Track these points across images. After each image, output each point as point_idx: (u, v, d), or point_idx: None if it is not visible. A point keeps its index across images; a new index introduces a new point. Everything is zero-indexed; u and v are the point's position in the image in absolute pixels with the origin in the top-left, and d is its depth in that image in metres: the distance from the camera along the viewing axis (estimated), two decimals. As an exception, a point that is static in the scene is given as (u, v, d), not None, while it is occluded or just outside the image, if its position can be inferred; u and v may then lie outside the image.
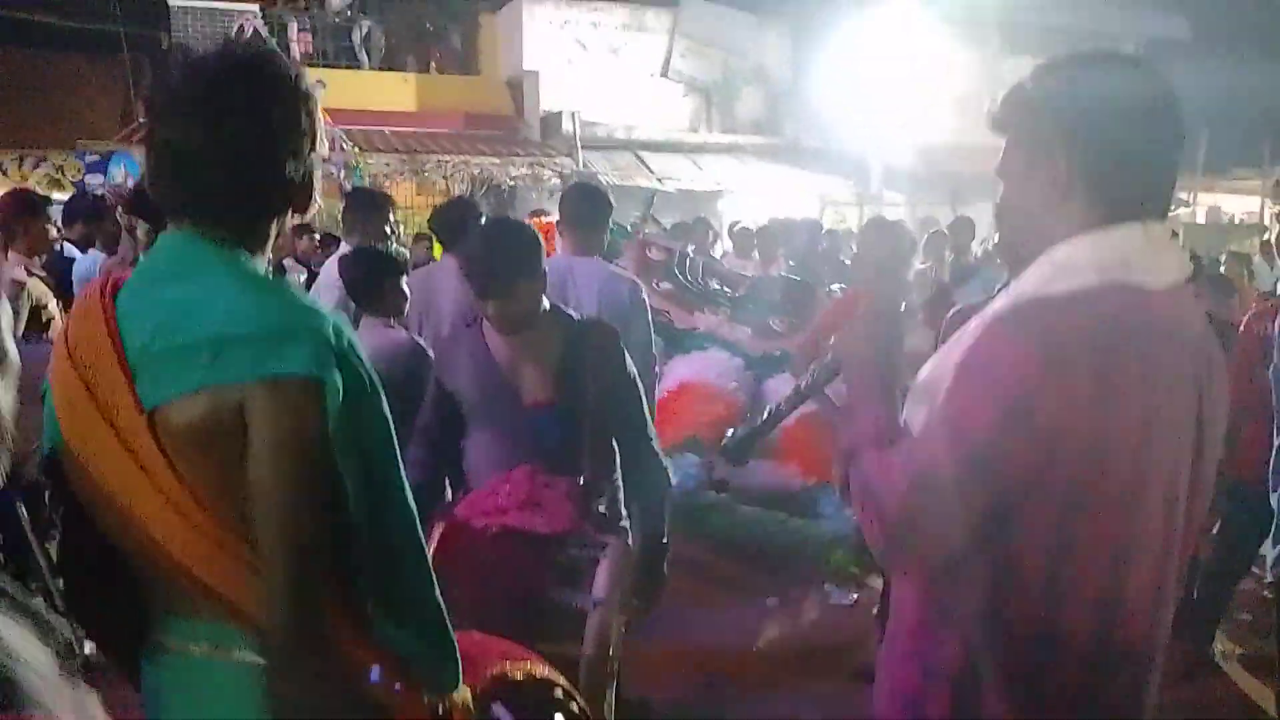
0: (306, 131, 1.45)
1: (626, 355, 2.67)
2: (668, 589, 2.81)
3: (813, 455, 5.07)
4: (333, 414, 1.31)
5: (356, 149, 12.10)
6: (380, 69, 16.40)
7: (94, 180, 12.35)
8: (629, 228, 7.35)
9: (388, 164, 13.50)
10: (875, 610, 3.43)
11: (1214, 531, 4.51)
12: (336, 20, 16.43)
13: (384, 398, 1.42)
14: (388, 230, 4.90)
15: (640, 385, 2.71)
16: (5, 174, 12.27)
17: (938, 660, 1.43)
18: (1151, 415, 1.32)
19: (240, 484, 1.29)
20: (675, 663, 3.93)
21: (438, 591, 1.49)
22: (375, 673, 1.35)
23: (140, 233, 4.96)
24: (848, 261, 8.22)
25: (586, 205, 3.97)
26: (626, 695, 2.70)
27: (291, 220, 1.50)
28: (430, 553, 2.13)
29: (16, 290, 4.63)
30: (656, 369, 4.39)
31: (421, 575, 1.47)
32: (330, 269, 4.55)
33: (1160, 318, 1.35)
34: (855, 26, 14.93)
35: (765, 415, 1.76)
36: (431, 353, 3.13)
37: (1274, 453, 3.65)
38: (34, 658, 1.08)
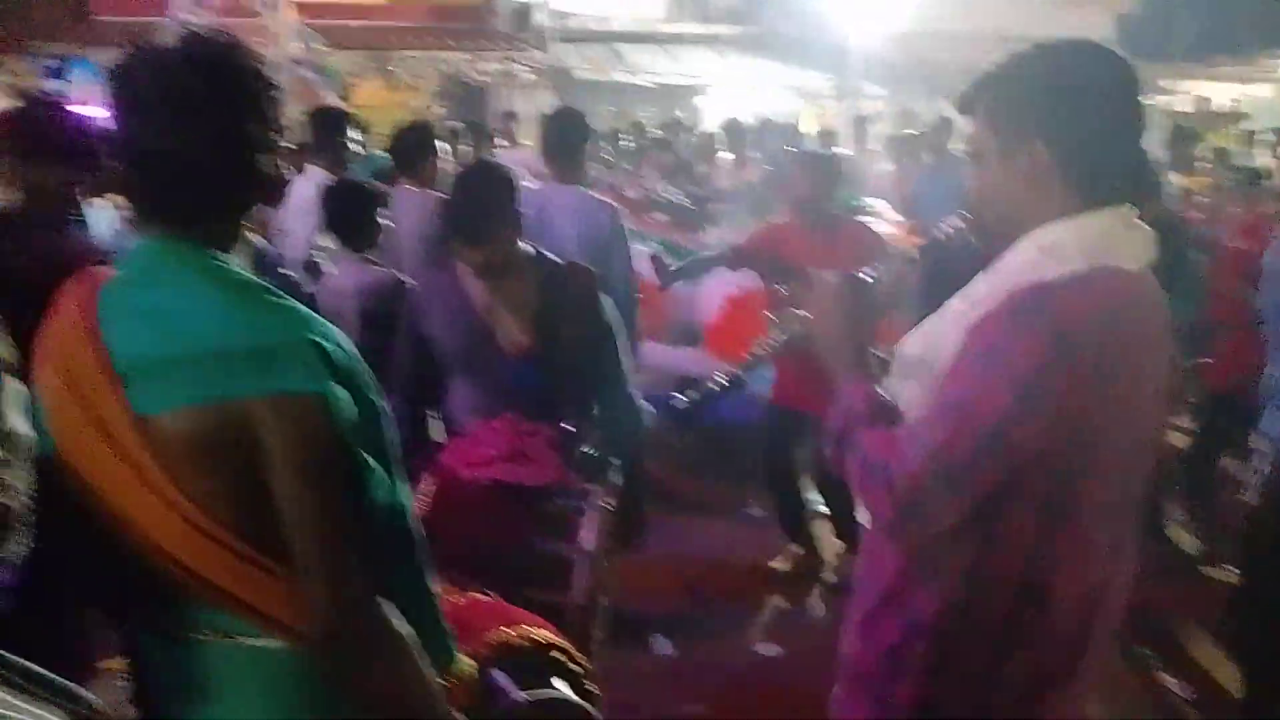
0: (274, 122, 1.41)
1: (602, 300, 2.67)
2: (647, 525, 2.88)
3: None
4: (339, 421, 1.33)
5: (328, 51, 11.72)
6: (344, -41, 15.77)
7: (54, 86, 11.96)
8: None
9: (355, 61, 13.14)
10: None
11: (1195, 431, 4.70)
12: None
13: (374, 388, 1.43)
14: (351, 149, 4.86)
15: (616, 330, 2.72)
16: (-43, 79, 11.84)
17: (919, 613, 1.49)
18: (1137, 389, 1.42)
19: (237, 491, 1.31)
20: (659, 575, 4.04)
21: (431, 578, 1.53)
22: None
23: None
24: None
25: (565, 133, 3.93)
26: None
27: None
28: (421, 505, 2.19)
29: None
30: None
31: (418, 561, 1.51)
32: (302, 190, 4.48)
33: (1140, 297, 1.44)
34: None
35: (716, 383, 1.81)
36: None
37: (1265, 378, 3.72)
38: None
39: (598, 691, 1.83)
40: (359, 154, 7.19)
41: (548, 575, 2.22)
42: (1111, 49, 1.53)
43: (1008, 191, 1.49)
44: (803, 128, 13.67)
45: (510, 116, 10.54)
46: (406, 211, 4.03)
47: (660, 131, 10.07)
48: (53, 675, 1.03)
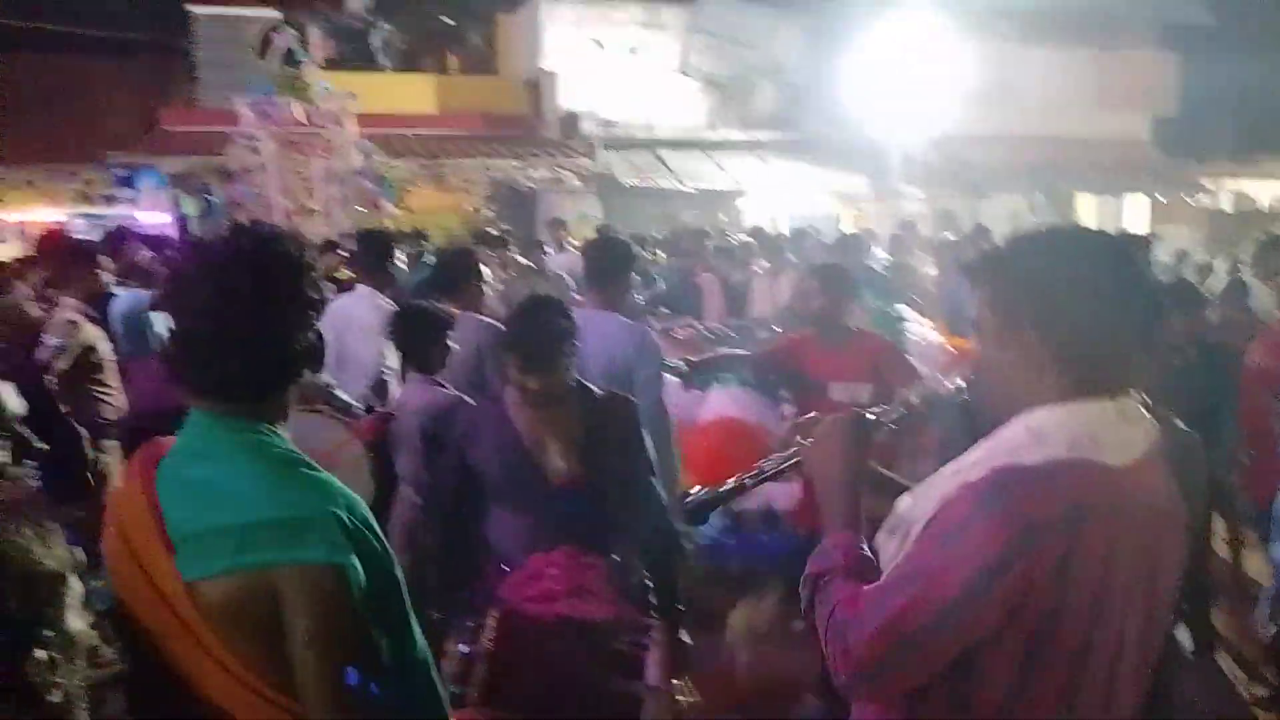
0: (312, 300, 1.57)
1: (643, 431, 2.77)
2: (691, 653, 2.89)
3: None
4: (358, 591, 1.45)
5: (388, 162, 12.19)
6: (399, 71, 16.50)
7: (122, 194, 12.51)
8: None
9: (407, 169, 13.61)
10: None
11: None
12: (355, 24, 16.53)
13: (393, 558, 1.55)
14: (401, 271, 5.04)
15: (654, 460, 2.81)
16: (36, 189, 12.45)
17: None
18: (1105, 585, 1.41)
19: (274, 650, 1.43)
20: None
21: None
22: None
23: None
24: (873, 265, 8.32)
25: (606, 261, 4.05)
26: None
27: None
28: (488, 641, 2.26)
29: (69, 330, 4.80)
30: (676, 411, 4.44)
31: (437, 714, 1.62)
32: (355, 311, 4.64)
33: (1122, 495, 1.42)
34: (872, 19, 14.87)
35: (729, 485, 1.83)
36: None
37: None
38: None
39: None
40: (422, 264, 7.49)
41: (619, 713, 2.27)
42: (1112, 236, 1.57)
43: (1002, 371, 1.52)
44: (843, 229, 13.89)
45: (558, 224, 10.83)
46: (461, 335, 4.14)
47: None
48: None
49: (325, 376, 3.92)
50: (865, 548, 1.57)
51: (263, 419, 1.54)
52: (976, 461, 1.47)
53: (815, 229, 10.69)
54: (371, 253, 5.04)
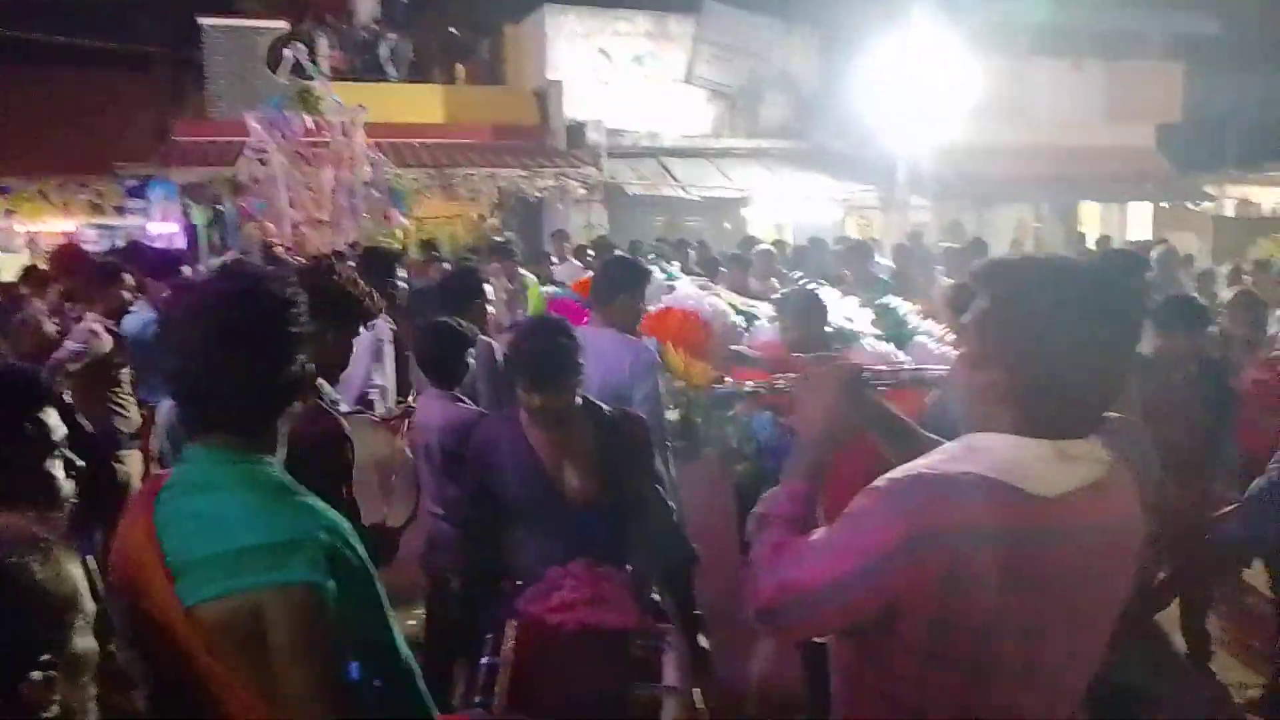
0: (297, 336, 1.66)
1: (654, 448, 2.84)
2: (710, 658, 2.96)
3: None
4: (331, 609, 1.53)
5: (397, 173, 12.29)
6: (407, 81, 16.61)
7: (133, 205, 12.63)
8: None
9: (415, 179, 13.70)
10: None
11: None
12: (364, 35, 16.64)
13: (375, 576, 1.64)
14: (399, 286, 5.13)
15: (665, 474, 2.88)
16: (48, 200, 12.56)
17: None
18: (1005, 606, 1.43)
19: (270, 670, 1.51)
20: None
21: None
22: None
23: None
24: (879, 274, 8.36)
25: (611, 282, 4.10)
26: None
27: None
28: (508, 652, 2.33)
29: (89, 338, 4.91)
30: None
31: None
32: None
33: (1039, 523, 1.44)
34: (881, 29, 14.93)
35: (748, 387, 2.07)
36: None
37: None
38: None
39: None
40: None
41: (639, 715, 2.34)
42: (1102, 272, 1.57)
43: (969, 392, 1.56)
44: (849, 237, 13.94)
45: (561, 235, 10.93)
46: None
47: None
48: None
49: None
50: (815, 500, 1.66)
51: (255, 449, 1.63)
52: (912, 464, 1.52)
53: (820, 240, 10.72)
54: (372, 270, 5.12)
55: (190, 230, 13.28)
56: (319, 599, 1.52)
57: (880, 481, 1.49)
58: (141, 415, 5.17)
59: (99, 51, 17.32)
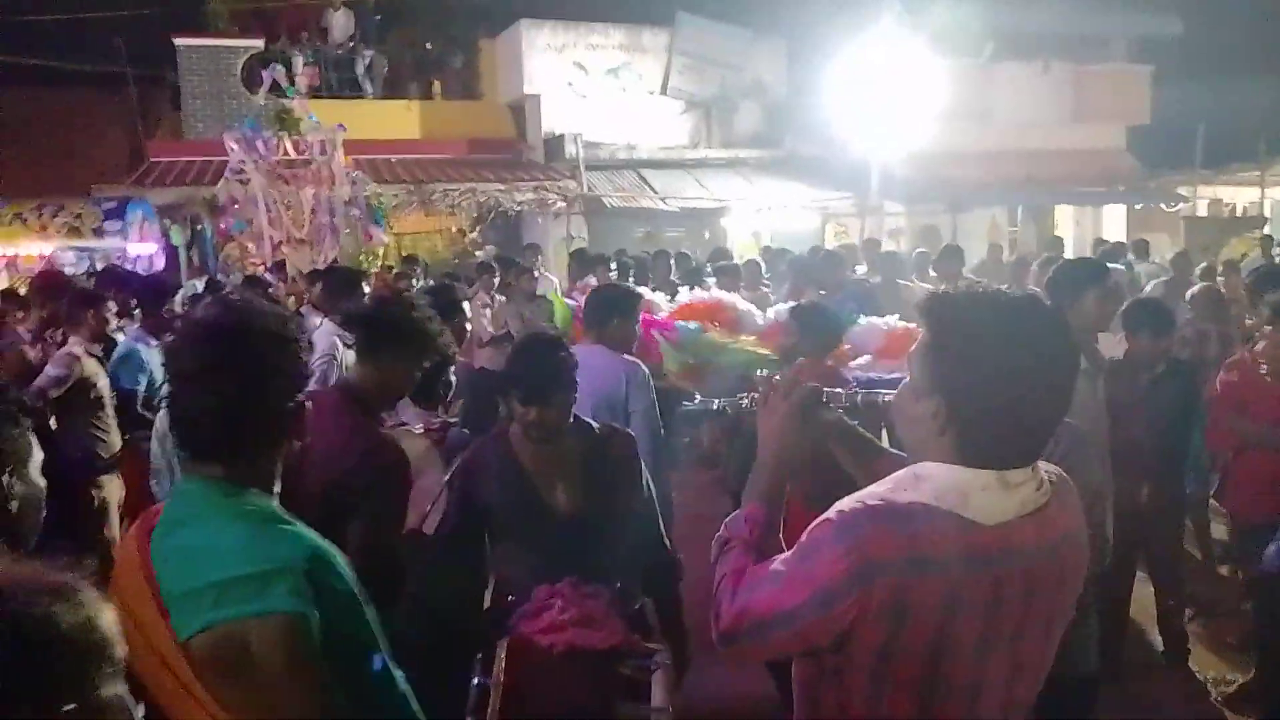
0: (294, 372, 1.70)
1: (643, 463, 2.90)
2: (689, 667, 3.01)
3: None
4: (314, 636, 1.54)
5: (378, 192, 12.30)
6: (384, 97, 16.65)
7: (111, 227, 12.60)
8: None
9: (395, 195, 13.72)
10: None
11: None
12: (339, 52, 16.68)
13: (361, 600, 1.66)
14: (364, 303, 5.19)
15: (652, 489, 2.94)
16: (26, 223, 12.53)
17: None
18: (949, 630, 1.49)
19: (259, 703, 1.53)
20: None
21: None
22: None
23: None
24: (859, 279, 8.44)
25: (600, 308, 4.23)
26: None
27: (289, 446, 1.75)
28: (499, 672, 2.38)
29: (70, 362, 4.93)
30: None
31: None
32: (323, 342, 4.82)
33: (981, 550, 1.49)
34: (848, 36, 15.08)
35: (715, 406, 2.12)
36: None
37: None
38: None
39: None
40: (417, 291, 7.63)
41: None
42: (1038, 304, 1.60)
43: (914, 420, 1.60)
44: (826, 244, 14.07)
45: (534, 249, 10.99)
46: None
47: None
48: None
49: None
50: (774, 523, 1.72)
51: (247, 483, 1.65)
52: (861, 494, 1.57)
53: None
54: (336, 288, 5.19)
55: (170, 250, 13.25)
56: (302, 627, 1.52)
57: (831, 513, 1.54)
58: (123, 439, 5.19)
59: (73, 73, 17.28)
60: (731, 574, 1.62)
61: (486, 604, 2.88)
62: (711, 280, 9.31)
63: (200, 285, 6.21)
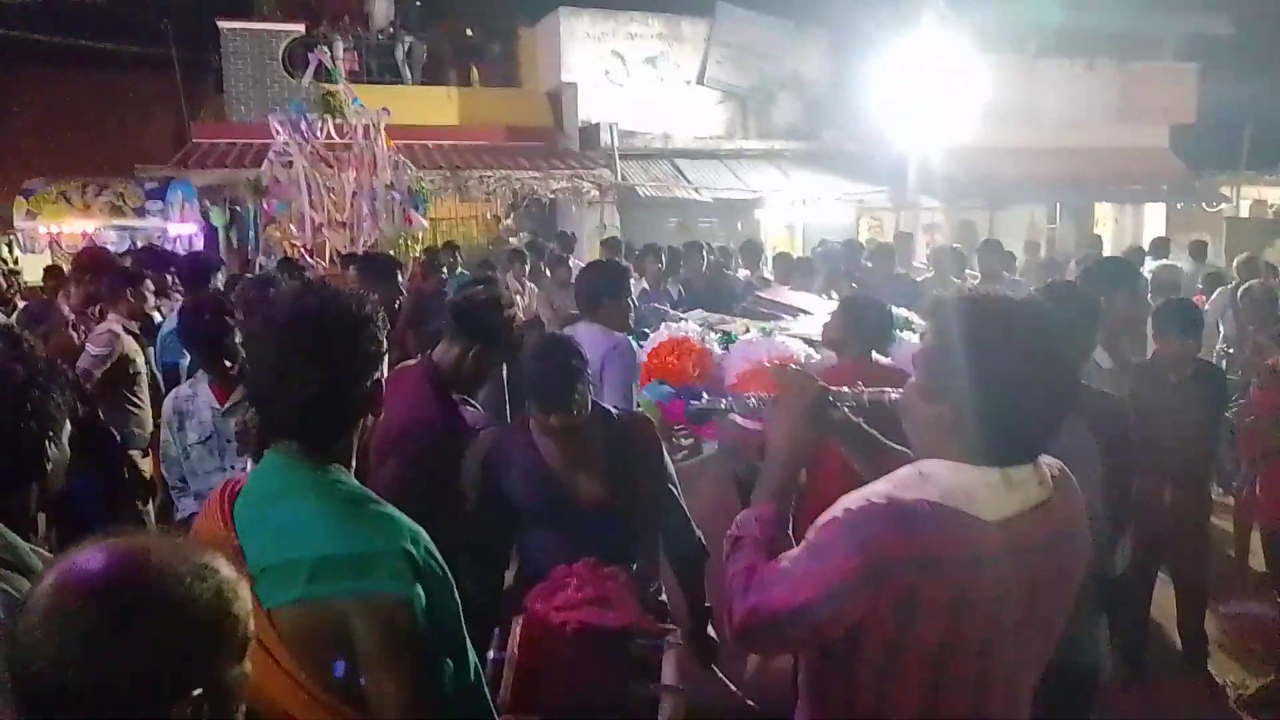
0: (372, 353, 1.74)
1: (663, 447, 2.93)
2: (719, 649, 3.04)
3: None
4: (422, 619, 1.59)
5: (419, 175, 12.38)
6: (423, 84, 16.76)
7: (153, 207, 12.80)
8: None
9: (431, 180, 13.81)
10: None
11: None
12: (380, 38, 16.81)
13: (454, 586, 1.70)
14: (401, 290, 5.27)
15: (671, 471, 2.97)
16: (70, 203, 12.75)
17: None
18: (957, 624, 1.53)
19: (350, 678, 1.56)
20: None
21: None
22: None
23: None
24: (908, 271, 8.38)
25: (591, 285, 4.21)
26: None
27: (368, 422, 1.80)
28: (513, 648, 2.43)
29: (110, 339, 5.04)
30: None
31: None
32: None
33: (986, 545, 1.54)
34: (890, 30, 14.98)
35: (723, 404, 2.22)
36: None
37: None
38: None
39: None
40: (457, 275, 7.72)
41: (638, 713, 2.43)
42: (1042, 308, 1.66)
43: (921, 419, 1.66)
44: (867, 239, 14.01)
45: (567, 235, 11.06)
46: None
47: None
48: None
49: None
50: (784, 520, 1.76)
51: (331, 459, 1.70)
52: (873, 491, 1.60)
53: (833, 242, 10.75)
54: (371, 273, 5.25)
55: (209, 231, 13.45)
56: (408, 609, 1.56)
57: (838, 510, 1.58)
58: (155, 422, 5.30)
59: (119, 55, 17.56)
60: (743, 571, 1.66)
61: (507, 585, 2.94)
62: (744, 272, 9.37)
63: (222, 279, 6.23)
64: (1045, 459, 1.65)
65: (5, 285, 11.08)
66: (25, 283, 11.70)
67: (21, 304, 7.28)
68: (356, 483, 1.73)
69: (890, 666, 1.56)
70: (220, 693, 1.12)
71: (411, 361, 3.27)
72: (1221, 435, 4.59)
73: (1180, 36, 18.41)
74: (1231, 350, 7.33)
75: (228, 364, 3.74)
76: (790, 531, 1.77)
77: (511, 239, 14.01)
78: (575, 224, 14.92)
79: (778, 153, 16.80)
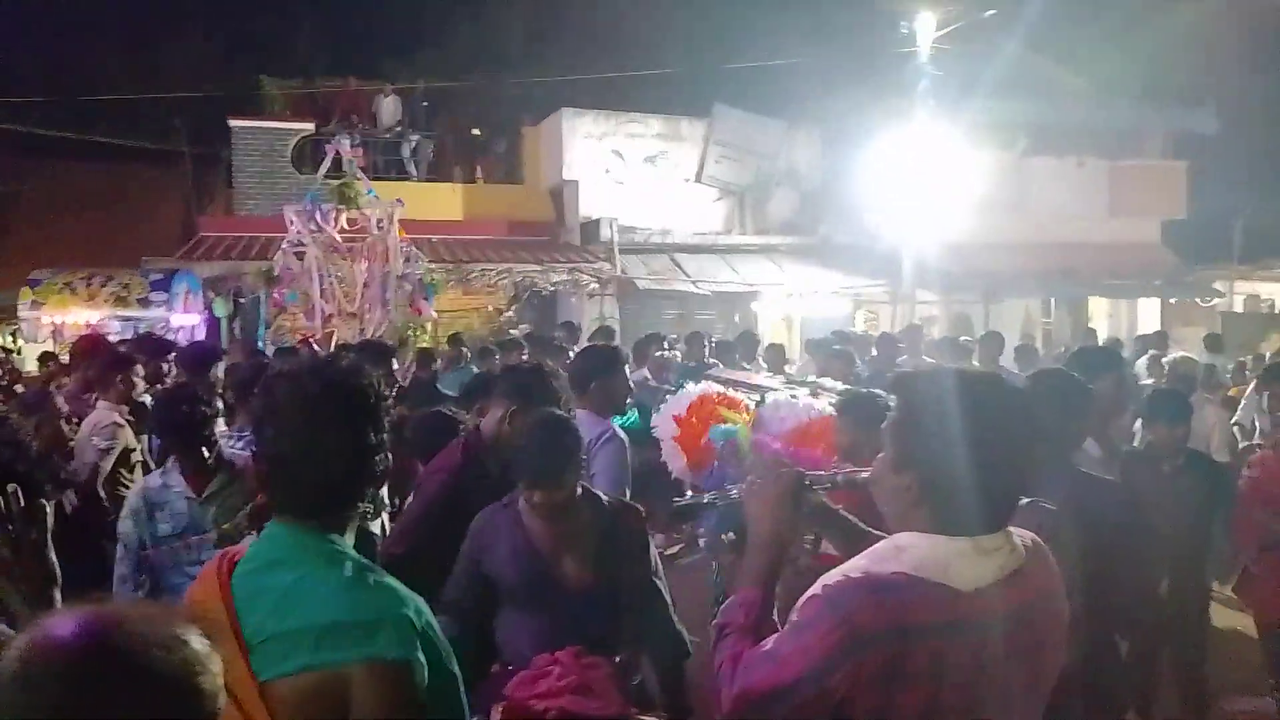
0: (383, 427, 1.76)
1: (650, 536, 2.92)
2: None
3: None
4: (422, 688, 1.58)
5: (430, 269, 12.53)
6: (428, 180, 17.13)
7: (157, 297, 12.95)
8: None
9: (436, 272, 13.99)
10: None
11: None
12: (387, 136, 17.25)
13: (453, 657, 1.69)
14: (396, 378, 5.29)
15: (657, 563, 2.95)
16: (74, 293, 12.92)
17: None
18: (936, 692, 1.56)
19: None
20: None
21: None
22: None
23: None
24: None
25: (583, 368, 4.22)
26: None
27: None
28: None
29: (115, 430, 5.05)
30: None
31: None
32: None
33: (962, 615, 1.57)
34: (882, 127, 15.38)
35: (706, 499, 2.21)
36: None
37: None
38: None
39: None
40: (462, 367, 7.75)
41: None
42: (999, 381, 1.72)
43: (890, 492, 1.69)
44: (861, 331, 14.12)
45: (569, 326, 11.15)
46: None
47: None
48: None
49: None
50: (768, 604, 1.77)
51: (333, 530, 1.70)
52: (851, 566, 1.64)
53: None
54: (370, 360, 5.26)
55: (212, 322, 13.59)
56: (411, 677, 1.56)
57: (817, 588, 1.62)
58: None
59: (129, 149, 18.00)
60: (729, 659, 1.68)
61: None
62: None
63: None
64: (1017, 530, 1.68)
65: (2, 374, 11.14)
66: (25, 371, 11.78)
67: (19, 389, 7.32)
68: (356, 554, 1.73)
69: None
70: None
71: None
72: (1218, 521, 4.55)
73: (1167, 133, 18.85)
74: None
75: (205, 453, 3.71)
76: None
77: (512, 331, 14.12)
78: (576, 315, 15.05)
79: (774, 247, 17.06)
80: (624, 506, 2.98)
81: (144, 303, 13.07)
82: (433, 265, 13.02)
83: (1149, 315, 18.45)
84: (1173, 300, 18.50)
